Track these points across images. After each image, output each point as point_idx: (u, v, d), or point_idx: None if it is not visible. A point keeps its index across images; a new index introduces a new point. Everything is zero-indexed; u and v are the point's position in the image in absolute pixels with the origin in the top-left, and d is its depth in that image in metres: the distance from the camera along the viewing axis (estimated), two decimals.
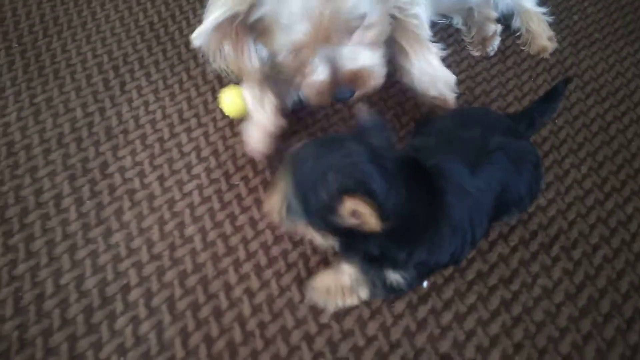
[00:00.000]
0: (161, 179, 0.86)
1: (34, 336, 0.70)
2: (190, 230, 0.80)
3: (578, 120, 0.96)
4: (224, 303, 0.73)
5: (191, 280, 0.75)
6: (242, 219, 0.81)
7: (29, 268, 0.76)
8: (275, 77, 0.84)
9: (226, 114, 0.91)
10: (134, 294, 0.74)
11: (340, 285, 0.70)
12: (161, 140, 0.91)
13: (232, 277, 0.75)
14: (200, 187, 0.85)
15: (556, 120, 0.96)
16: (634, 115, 0.97)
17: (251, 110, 0.86)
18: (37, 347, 0.69)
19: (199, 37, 0.71)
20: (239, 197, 0.84)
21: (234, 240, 0.79)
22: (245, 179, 0.86)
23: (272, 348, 0.69)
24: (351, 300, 0.71)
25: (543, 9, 1.09)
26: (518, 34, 1.09)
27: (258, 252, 0.78)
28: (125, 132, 0.91)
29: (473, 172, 0.66)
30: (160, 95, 0.97)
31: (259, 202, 0.83)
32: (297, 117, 0.93)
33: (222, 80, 0.98)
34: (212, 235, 0.80)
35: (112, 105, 0.95)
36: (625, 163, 0.90)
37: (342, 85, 0.75)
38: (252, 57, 0.78)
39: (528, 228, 0.81)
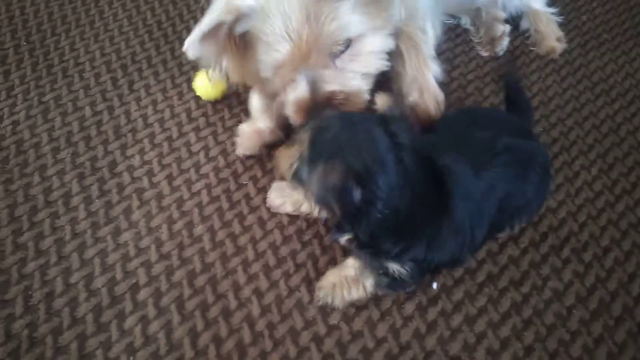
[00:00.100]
0: (170, 178, 0.86)
1: (43, 335, 0.70)
2: (199, 229, 0.80)
3: (588, 122, 0.96)
4: (232, 303, 0.73)
5: (200, 280, 0.75)
6: (250, 218, 0.81)
7: (39, 266, 0.76)
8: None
9: (199, 95, 0.94)
10: (143, 294, 0.74)
11: (345, 277, 0.70)
12: (170, 139, 0.90)
13: (241, 277, 0.75)
14: (208, 187, 0.85)
15: (565, 121, 0.95)
16: None
17: (254, 116, 0.87)
18: (46, 345, 0.69)
19: (189, 47, 0.71)
20: (247, 196, 0.84)
21: (243, 240, 0.79)
22: (253, 178, 0.86)
23: (281, 349, 0.69)
24: (357, 292, 0.70)
25: (552, 10, 1.08)
26: (527, 34, 1.08)
27: (267, 252, 0.78)
28: (134, 131, 0.91)
29: (478, 174, 0.65)
30: (168, 95, 0.97)
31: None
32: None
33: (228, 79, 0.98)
34: (220, 235, 0.79)
35: (121, 104, 0.95)
36: (635, 165, 0.90)
37: (320, 107, 0.75)
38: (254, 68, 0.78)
39: (538, 230, 0.80)
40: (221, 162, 0.88)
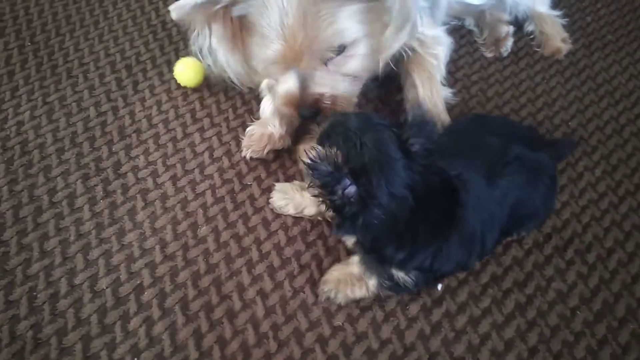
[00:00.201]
0: (174, 178, 0.86)
1: (48, 336, 0.70)
2: (203, 230, 0.80)
3: (591, 123, 0.96)
4: (237, 304, 0.73)
5: (204, 281, 0.75)
6: (255, 219, 0.81)
7: (43, 267, 0.76)
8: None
9: (179, 82, 0.96)
10: (148, 294, 0.74)
11: (350, 275, 0.71)
12: (174, 140, 0.91)
13: (246, 278, 0.75)
14: (213, 187, 0.85)
15: (569, 123, 0.95)
16: None
17: (265, 120, 0.87)
18: (51, 346, 0.69)
19: (176, 10, 0.71)
20: (251, 197, 0.84)
21: (247, 240, 0.79)
22: (258, 179, 0.86)
23: (286, 350, 0.69)
24: (360, 291, 0.71)
25: (557, 12, 1.09)
26: (531, 36, 1.08)
27: (271, 253, 0.78)
28: (138, 131, 0.92)
29: (490, 184, 0.66)
30: (173, 95, 0.97)
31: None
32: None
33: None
34: (225, 236, 0.79)
35: (125, 104, 0.95)
36: (639, 166, 0.90)
37: (307, 105, 0.76)
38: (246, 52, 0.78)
39: (542, 231, 0.80)
40: (225, 163, 0.88)
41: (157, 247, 0.78)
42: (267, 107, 0.88)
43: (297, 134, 0.90)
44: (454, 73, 1.01)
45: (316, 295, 0.73)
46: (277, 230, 0.80)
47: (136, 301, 0.73)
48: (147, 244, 0.78)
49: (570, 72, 1.04)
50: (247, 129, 0.88)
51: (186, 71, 0.94)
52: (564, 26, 1.08)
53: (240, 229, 0.80)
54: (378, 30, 0.74)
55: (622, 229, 0.82)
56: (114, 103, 0.95)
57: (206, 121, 0.93)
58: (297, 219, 0.81)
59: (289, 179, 0.86)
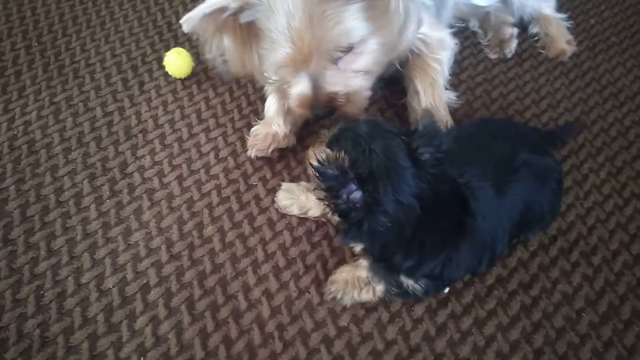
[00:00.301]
0: (180, 178, 0.86)
1: (55, 334, 0.70)
2: (209, 230, 0.80)
3: (596, 125, 0.96)
4: (242, 304, 0.73)
5: (210, 281, 0.75)
6: (260, 219, 0.82)
7: (50, 266, 0.76)
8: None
9: (169, 73, 0.98)
10: (154, 294, 0.74)
11: (357, 278, 0.71)
12: (180, 140, 0.91)
13: (251, 278, 0.76)
14: (218, 188, 0.85)
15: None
16: None
17: (269, 119, 0.87)
18: (58, 345, 0.69)
19: (187, 22, 0.72)
20: (257, 197, 0.84)
21: (253, 240, 0.79)
22: (263, 179, 0.86)
23: (291, 350, 0.70)
24: (367, 295, 0.71)
25: (562, 15, 1.09)
26: (536, 38, 1.08)
27: (276, 253, 0.78)
28: (145, 131, 0.92)
29: (499, 191, 0.66)
30: (178, 96, 0.97)
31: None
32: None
33: (239, 81, 0.98)
34: (230, 236, 0.80)
35: (131, 105, 0.96)
36: None
37: (321, 105, 0.76)
38: (256, 58, 0.78)
39: (547, 233, 0.80)
40: (231, 163, 0.88)
41: (163, 247, 0.78)
42: (271, 106, 0.88)
43: (301, 132, 0.91)
44: (458, 74, 1.01)
45: (322, 296, 0.74)
46: (282, 230, 0.81)
47: (142, 300, 0.73)
48: (153, 244, 0.79)
49: (574, 73, 1.04)
50: (252, 129, 0.89)
51: (176, 62, 0.96)
52: (568, 28, 1.08)
53: (246, 229, 0.81)
54: (384, 24, 0.74)
55: (627, 231, 0.82)
56: (120, 103, 0.96)
57: (212, 121, 0.94)
58: (302, 220, 0.81)
59: (294, 179, 0.86)
